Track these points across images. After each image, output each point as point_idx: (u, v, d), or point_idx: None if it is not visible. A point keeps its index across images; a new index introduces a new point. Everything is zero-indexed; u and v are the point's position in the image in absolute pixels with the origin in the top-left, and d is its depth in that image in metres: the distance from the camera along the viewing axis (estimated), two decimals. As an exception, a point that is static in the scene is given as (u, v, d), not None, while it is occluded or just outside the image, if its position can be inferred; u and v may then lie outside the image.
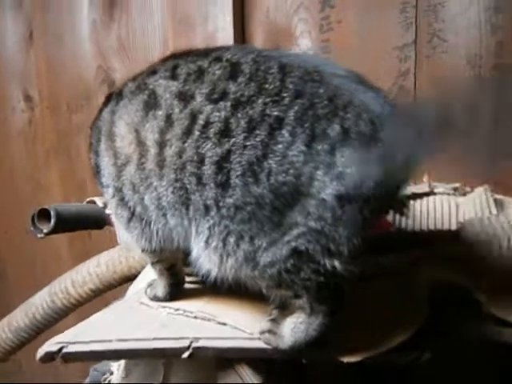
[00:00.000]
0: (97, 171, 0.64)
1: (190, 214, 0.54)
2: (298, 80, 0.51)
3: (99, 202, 1.00)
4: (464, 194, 0.78)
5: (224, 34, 1.45)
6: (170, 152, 0.54)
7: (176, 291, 0.65)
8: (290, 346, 0.53)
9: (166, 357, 0.58)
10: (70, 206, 0.93)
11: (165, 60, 0.61)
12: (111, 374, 0.85)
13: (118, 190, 0.60)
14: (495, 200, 0.74)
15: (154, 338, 0.55)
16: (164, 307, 0.63)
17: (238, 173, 0.50)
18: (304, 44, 1.41)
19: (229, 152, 0.50)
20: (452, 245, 0.60)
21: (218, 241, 0.52)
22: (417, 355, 0.58)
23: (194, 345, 0.54)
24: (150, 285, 0.67)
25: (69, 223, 0.90)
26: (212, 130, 0.52)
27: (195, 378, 0.82)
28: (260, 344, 0.55)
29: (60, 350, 0.53)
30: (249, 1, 1.46)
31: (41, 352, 0.54)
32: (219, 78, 0.53)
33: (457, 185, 0.81)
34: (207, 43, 1.47)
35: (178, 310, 0.61)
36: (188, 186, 0.53)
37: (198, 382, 0.80)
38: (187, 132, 0.53)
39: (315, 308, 0.52)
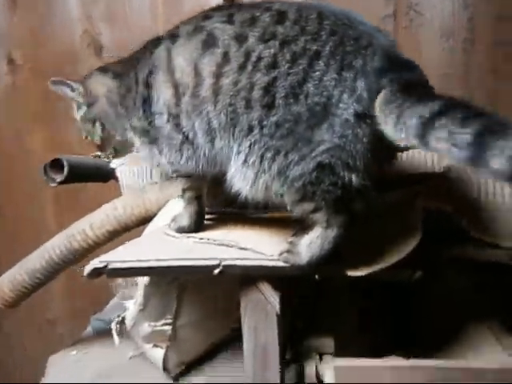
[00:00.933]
0: (144, 101, 0.73)
1: (235, 134, 0.64)
2: (331, 23, 0.63)
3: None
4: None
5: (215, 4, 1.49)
6: (226, 81, 0.65)
7: (200, 221, 0.74)
8: (307, 262, 0.62)
9: (198, 274, 0.64)
10: (79, 158, 0.98)
11: (216, 9, 0.73)
12: (124, 310, 0.91)
13: (175, 116, 0.70)
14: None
15: (187, 258, 0.62)
16: (189, 237, 0.70)
17: (282, 95, 0.61)
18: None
19: (275, 79, 0.62)
20: (441, 182, 0.70)
21: (257, 157, 0.63)
22: (410, 273, 0.68)
23: (223, 263, 0.62)
24: (173, 219, 0.74)
25: (79, 174, 0.95)
26: (262, 63, 0.63)
27: (202, 312, 0.90)
28: (280, 263, 0.64)
29: (105, 266, 0.59)
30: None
31: (88, 268, 0.60)
32: (269, 23, 0.65)
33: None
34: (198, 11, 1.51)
35: (202, 238, 0.69)
36: (239, 110, 0.64)
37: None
38: (242, 66, 0.64)
39: (331, 220, 0.62)
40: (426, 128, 0.52)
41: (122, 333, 0.90)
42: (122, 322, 0.88)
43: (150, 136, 0.74)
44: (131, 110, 0.76)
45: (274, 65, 0.62)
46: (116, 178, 1.06)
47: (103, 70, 0.85)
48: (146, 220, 0.86)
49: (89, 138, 0.85)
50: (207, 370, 0.95)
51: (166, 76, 0.71)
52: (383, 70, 0.59)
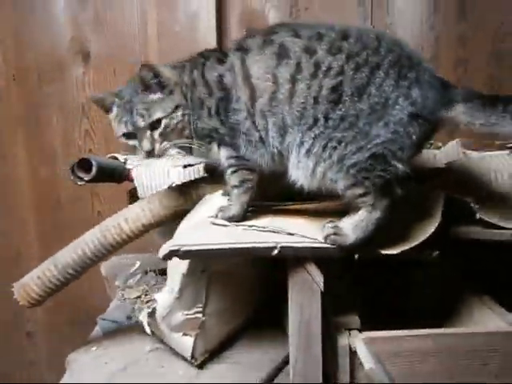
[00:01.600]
0: (227, 99, 0.83)
1: (300, 127, 0.76)
2: (388, 43, 0.77)
3: (121, 157, 1.09)
4: (437, 148, 1.04)
5: (205, 13, 1.58)
6: (300, 86, 0.77)
7: (246, 211, 0.81)
8: (353, 242, 0.72)
9: (257, 254, 0.71)
10: (101, 158, 1.01)
11: (279, 25, 0.85)
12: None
13: (251, 114, 0.81)
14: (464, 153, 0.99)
15: (246, 242, 0.69)
16: (237, 225, 0.77)
17: (349, 93, 0.74)
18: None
19: (341, 82, 0.75)
20: (448, 175, 0.83)
21: (319, 147, 0.75)
22: (429, 252, 0.79)
23: (279, 245, 0.70)
24: (220, 210, 0.80)
25: (103, 174, 0.99)
26: (332, 72, 0.75)
27: (226, 301, 0.97)
28: (325, 245, 0.72)
29: (178, 250, 0.65)
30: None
31: (164, 250, 0.66)
32: (335, 39, 0.78)
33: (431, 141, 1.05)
34: (189, 21, 1.58)
35: (251, 226, 0.76)
36: (307, 106, 0.75)
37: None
38: (314, 74, 0.77)
39: (376, 204, 0.74)
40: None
41: (151, 324, 0.94)
42: (151, 314, 0.93)
43: (220, 134, 0.83)
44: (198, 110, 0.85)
45: (341, 72, 0.75)
46: (130, 179, 1.10)
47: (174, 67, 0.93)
48: (177, 215, 0.91)
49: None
50: (228, 357, 1.01)
51: (244, 80, 0.81)
52: (431, 83, 0.75)
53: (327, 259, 0.74)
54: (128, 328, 1.13)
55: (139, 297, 1.17)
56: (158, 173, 1.07)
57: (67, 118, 1.66)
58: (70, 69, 1.64)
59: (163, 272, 1.42)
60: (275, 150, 0.80)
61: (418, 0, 1.58)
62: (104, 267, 1.25)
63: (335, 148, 0.74)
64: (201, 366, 0.97)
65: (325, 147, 0.75)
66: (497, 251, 0.83)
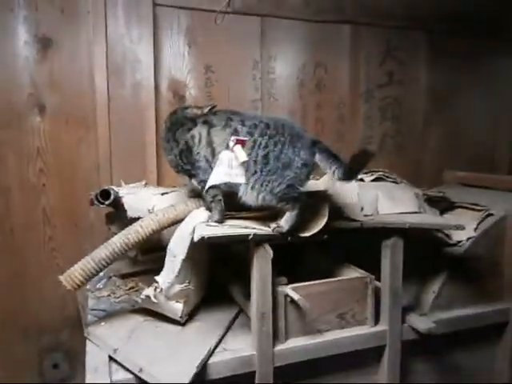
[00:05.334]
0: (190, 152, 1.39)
1: (248, 175, 1.31)
2: (287, 126, 1.35)
3: (116, 188, 1.57)
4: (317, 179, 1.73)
5: (147, 81, 2.10)
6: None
7: (223, 216, 1.37)
8: (287, 230, 1.33)
9: (241, 239, 1.28)
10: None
11: (234, 113, 1.38)
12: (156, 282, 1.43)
13: (210, 162, 1.36)
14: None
15: (235, 232, 1.27)
16: (223, 225, 1.33)
17: (271, 157, 1.30)
18: (194, 93, 2.19)
19: (268, 152, 1.30)
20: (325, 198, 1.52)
21: (258, 185, 1.31)
22: (323, 235, 1.45)
23: (252, 233, 1.28)
24: (209, 217, 1.35)
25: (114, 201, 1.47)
26: (262, 147, 1.31)
27: (198, 278, 1.50)
28: (273, 233, 1.33)
29: (203, 238, 1.20)
30: (159, 63, 2.15)
31: (197, 237, 1.19)
32: (263, 128, 1.33)
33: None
34: (134, 87, 2.08)
35: (231, 225, 1.33)
36: (251, 164, 1.31)
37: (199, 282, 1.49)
38: (252, 148, 1.31)
39: (293, 208, 1.33)
40: (337, 169, 1.32)
41: (150, 298, 1.42)
42: (155, 289, 1.41)
43: (192, 172, 1.38)
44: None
45: (266, 147, 1.31)
46: (121, 204, 1.58)
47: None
48: (174, 223, 1.43)
49: None
50: (199, 318, 1.54)
51: (208, 145, 1.36)
52: (312, 146, 1.35)
53: (274, 241, 1.35)
54: (117, 311, 1.57)
55: (132, 287, 1.63)
56: (143, 198, 1.58)
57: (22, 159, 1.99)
58: (28, 119, 1.99)
59: (122, 276, 1.89)
60: (228, 184, 1.33)
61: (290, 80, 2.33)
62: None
63: (267, 185, 1.30)
64: (184, 324, 1.48)
65: (261, 184, 1.31)
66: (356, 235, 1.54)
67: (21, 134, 1.99)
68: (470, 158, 2.67)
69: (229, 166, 1.29)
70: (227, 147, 1.31)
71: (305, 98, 2.37)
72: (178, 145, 1.38)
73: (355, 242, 1.56)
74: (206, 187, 1.35)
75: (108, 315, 1.54)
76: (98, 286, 1.81)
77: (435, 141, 2.63)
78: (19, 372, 2.11)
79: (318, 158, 1.35)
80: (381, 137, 2.52)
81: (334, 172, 1.33)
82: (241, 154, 1.28)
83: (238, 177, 1.30)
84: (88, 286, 1.77)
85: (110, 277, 1.85)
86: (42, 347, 2.13)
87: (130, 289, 1.65)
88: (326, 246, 1.66)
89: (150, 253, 1.82)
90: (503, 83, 2.71)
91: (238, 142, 1.29)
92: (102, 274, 1.79)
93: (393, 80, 2.51)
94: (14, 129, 1.98)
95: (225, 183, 1.33)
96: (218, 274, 1.67)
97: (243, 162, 1.29)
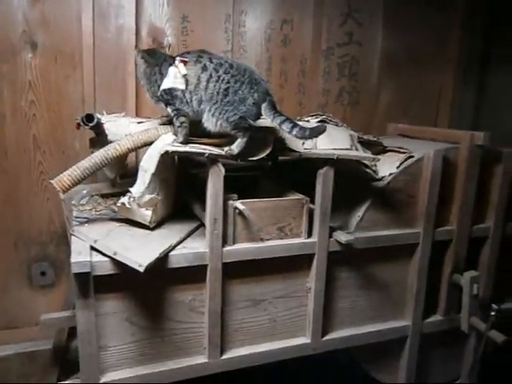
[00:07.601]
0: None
1: (209, 103, 1.63)
2: (248, 70, 1.64)
3: (98, 115, 1.87)
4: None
5: (129, 26, 2.35)
6: (210, 85, 1.57)
7: (187, 139, 1.68)
8: (238, 151, 1.66)
9: (199, 157, 1.61)
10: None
11: (203, 52, 1.67)
12: (130, 192, 1.75)
13: (183, 92, 1.64)
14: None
15: (199, 150, 1.59)
16: (185, 146, 1.65)
17: (231, 91, 1.57)
18: (171, 40, 2.46)
19: (228, 87, 1.60)
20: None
21: (218, 112, 1.62)
22: (267, 162, 1.78)
23: (208, 153, 1.61)
24: (175, 140, 1.67)
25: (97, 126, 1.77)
26: (224, 81, 1.58)
27: (166, 191, 1.83)
28: (225, 154, 1.66)
29: (174, 151, 1.52)
30: (140, 10, 2.39)
31: (163, 150, 1.51)
32: (227, 67, 1.58)
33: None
34: (117, 30, 2.34)
35: (193, 146, 1.65)
36: (214, 94, 1.61)
37: (166, 195, 1.83)
38: (217, 81, 1.58)
39: (244, 135, 1.65)
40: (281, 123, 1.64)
41: (126, 205, 1.75)
42: (129, 198, 1.73)
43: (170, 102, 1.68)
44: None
45: (228, 82, 1.56)
46: (103, 130, 1.88)
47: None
48: (146, 144, 1.74)
49: None
50: (165, 226, 1.88)
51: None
52: (265, 93, 1.66)
53: (226, 161, 1.68)
54: (97, 219, 1.90)
55: (110, 204, 1.96)
56: (122, 125, 1.88)
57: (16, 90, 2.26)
58: (21, 54, 2.24)
59: (103, 196, 2.21)
60: (195, 110, 1.62)
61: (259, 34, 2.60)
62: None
63: (224, 113, 1.57)
64: (152, 229, 1.82)
65: (220, 112, 1.57)
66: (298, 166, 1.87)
67: (15, 68, 2.23)
68: (417, 113, 3.00)
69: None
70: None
71: (271, 51, 2.65)
72: (162, 77, 1.67)
73: (300, 175, 1.90)
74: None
75: (90, 221, 1.87)
76: (81, 202, 2.13)
77: (387, 97, 2.95)
78: (11, 278, 2.44)
79: (264, 105, 1.66)
80: (338, 92, 2.82)
81: (281, 125, 1.65)
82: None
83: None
84: (73, 202, 2.09)
85: (92, 195, 2.17)
86: (31, 257, 2.45)
87: (109, 205, 1.98)
88: (276, 178, 2.01)
89: (127, 177, 2.14)
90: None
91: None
92: (84, 192, 2.14)
93: (352, 40, 2.79)
94: (9, 63, 2.22)
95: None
96: (185, 198, 2.00)
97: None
